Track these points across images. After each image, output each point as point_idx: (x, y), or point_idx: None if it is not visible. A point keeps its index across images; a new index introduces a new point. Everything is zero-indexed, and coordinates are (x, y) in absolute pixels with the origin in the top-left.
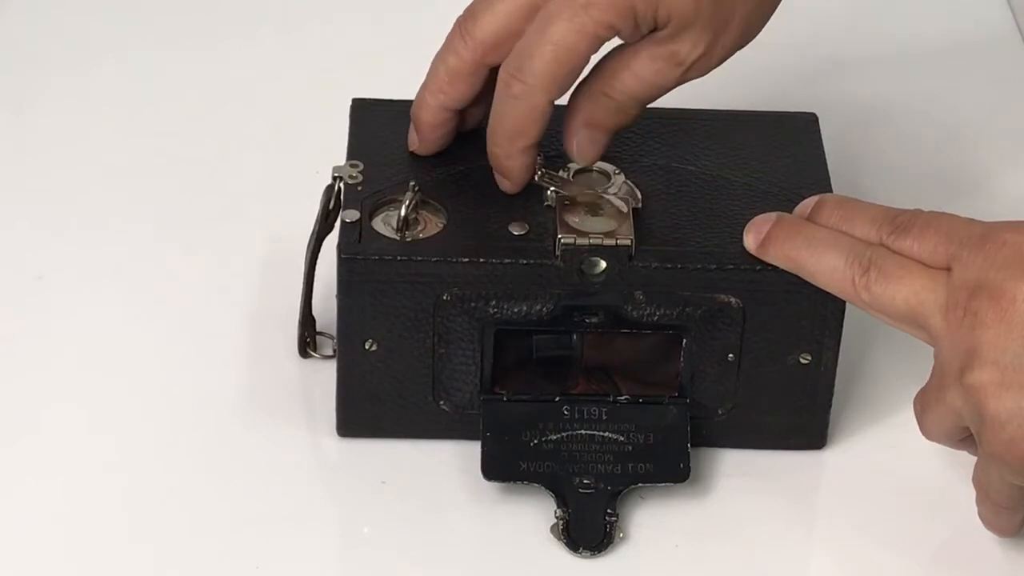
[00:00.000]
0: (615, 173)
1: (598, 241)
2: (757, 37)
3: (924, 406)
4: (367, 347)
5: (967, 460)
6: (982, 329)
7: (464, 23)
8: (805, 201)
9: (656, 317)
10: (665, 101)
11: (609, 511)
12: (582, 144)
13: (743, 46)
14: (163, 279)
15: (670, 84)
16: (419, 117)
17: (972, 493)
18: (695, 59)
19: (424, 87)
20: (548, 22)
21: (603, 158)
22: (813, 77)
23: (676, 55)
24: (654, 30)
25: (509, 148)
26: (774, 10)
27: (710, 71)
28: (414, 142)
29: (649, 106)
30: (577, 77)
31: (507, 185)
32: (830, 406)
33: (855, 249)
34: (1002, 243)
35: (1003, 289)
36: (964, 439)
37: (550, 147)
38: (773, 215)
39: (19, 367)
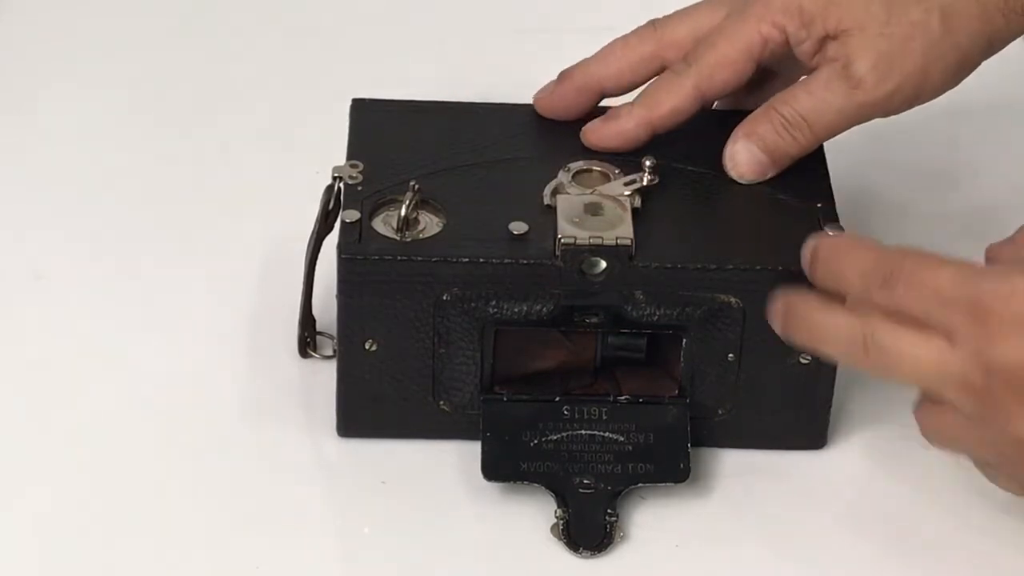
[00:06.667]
0: (615, 173)
1: (598, 241)
2: None
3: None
4: (367, 347)
5: (967, 460)
6: (1006, 415)
7: (657, 20)
8: (804, 247)
9: (656, 317)
10: None
11: (609, 511)
12: (737, 153)
13: (921, 94)
14: (163, 279)
15: (839, 102)
16: (569, 74)
17: (972, 493)
18: (864, 74)
19: (592, 55)
20: (724, 23)
21: (602, 158)
22: None
23: (848, 68)
24: (825, 39)
25: (631, 107)
26: (961, 71)
27: (888, 106)
28: (544, 94)
29: None
30: (738, 79)
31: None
32: (830, 406)
33: (851, 332)
34: (990, 311)
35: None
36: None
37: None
38: (780, 298)
39: (19, 367)
